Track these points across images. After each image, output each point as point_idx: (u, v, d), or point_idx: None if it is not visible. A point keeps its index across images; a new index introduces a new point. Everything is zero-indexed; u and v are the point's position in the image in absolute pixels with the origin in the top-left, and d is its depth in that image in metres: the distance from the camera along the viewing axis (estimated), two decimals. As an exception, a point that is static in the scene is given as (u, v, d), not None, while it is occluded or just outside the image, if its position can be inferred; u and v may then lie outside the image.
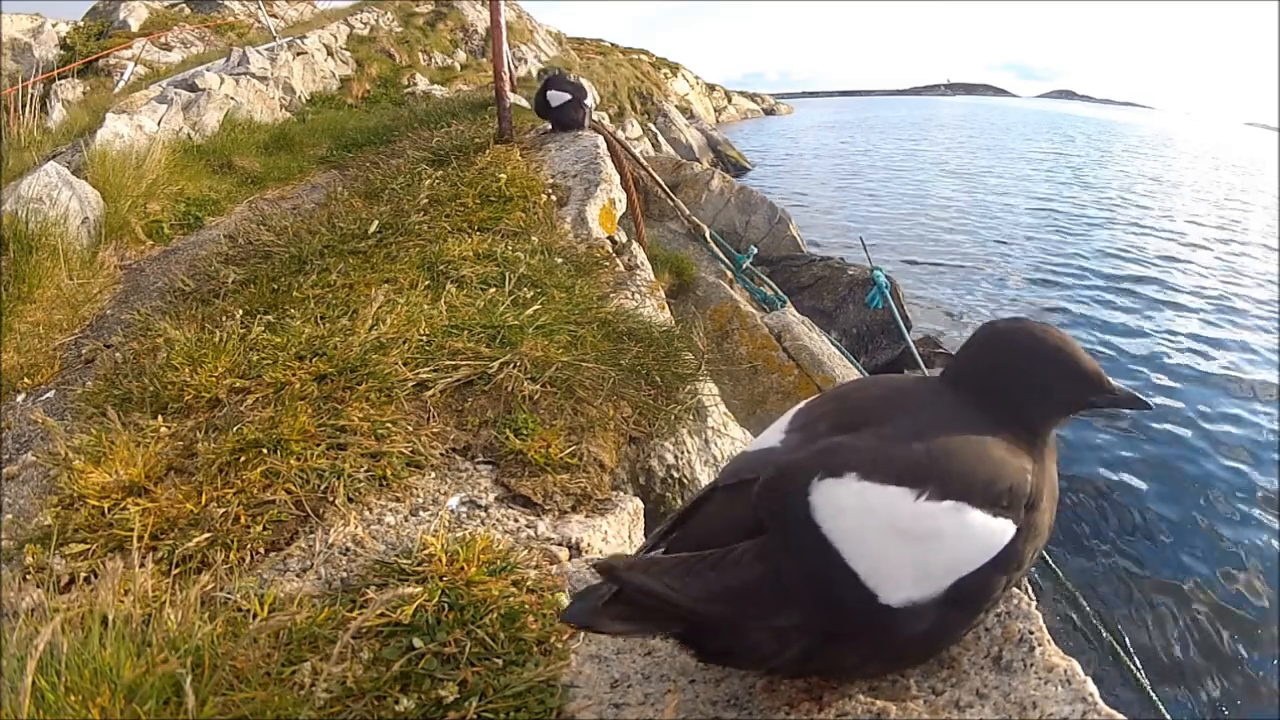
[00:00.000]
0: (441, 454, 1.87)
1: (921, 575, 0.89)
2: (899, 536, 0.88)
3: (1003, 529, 0.90)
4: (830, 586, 0.90)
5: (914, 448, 0.91)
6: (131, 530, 1.53)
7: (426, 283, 2.70)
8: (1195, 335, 9.91)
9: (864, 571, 0.89)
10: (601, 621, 0.96)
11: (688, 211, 6.81)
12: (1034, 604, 1.14)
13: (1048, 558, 4.72)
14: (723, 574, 0.91)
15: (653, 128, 24.03)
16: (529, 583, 1.41)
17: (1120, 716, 0.94)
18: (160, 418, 2.01)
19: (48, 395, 2.70)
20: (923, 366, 7.19)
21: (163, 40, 12.79)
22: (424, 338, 2.23)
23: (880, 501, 0.88)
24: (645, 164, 6.17)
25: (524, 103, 6.30)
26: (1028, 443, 0.97)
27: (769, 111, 57.02)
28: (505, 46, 4.90)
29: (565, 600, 1.35)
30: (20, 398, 2.72)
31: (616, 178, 4.17)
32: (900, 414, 0.98)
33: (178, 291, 3.15)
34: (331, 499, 1.65)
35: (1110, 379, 1.01)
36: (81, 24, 13.29)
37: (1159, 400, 7.72)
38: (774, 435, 1.04)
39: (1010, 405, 0.98)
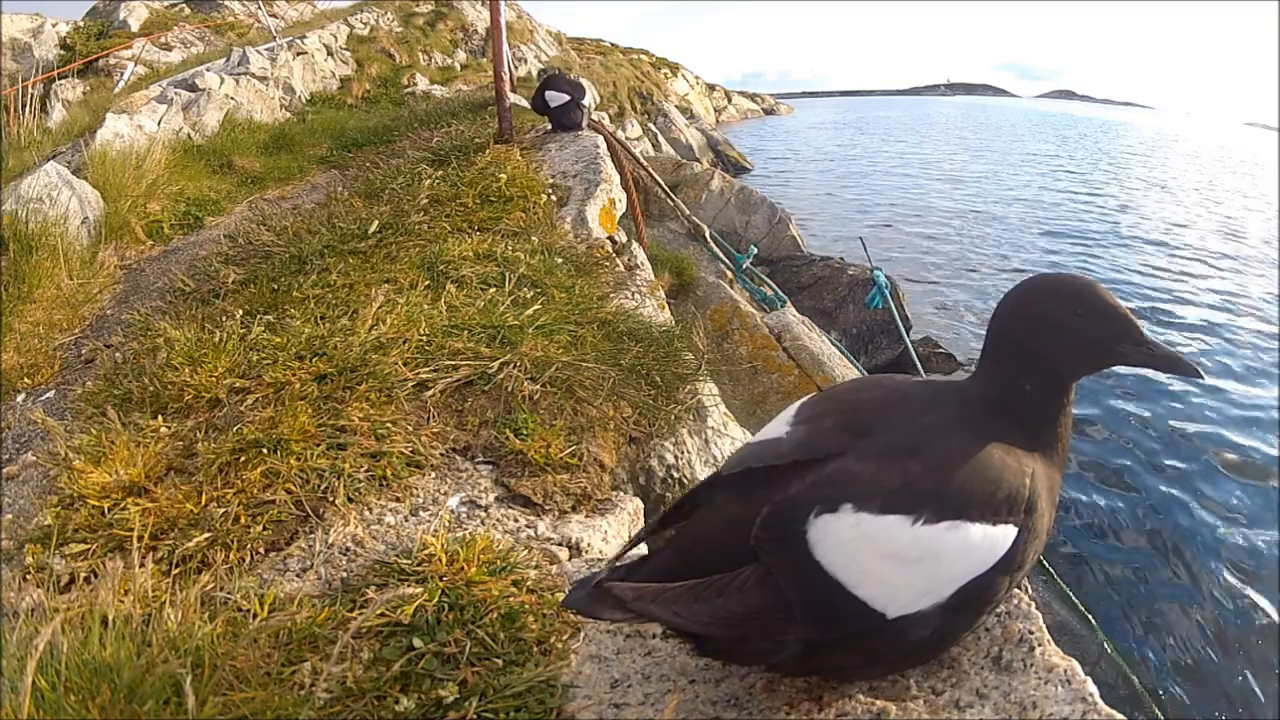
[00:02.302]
0: (441, 454, 1.87)
1: (925, 590, 0.90)
2: (900, 562, 0.89)
3: (1004, 536, 0.90)
4: (835, 611, 0.91)
5: (909, 466, 0.91)
6: (131, 530, 1.53)
7: (426, 283, 2.70)
8: (1195, 334, 9.91)
9: (869, 597, 0.90)
10: (600, 609, 0.98)
11: (688, 211, 6.81)
12: (1034, 604, 1.14)
13: (1045, 560, 4.72)
14: (728, 600, 0.93)
15: (653, 128, 24.04)
16: (529, 583, 1.40)
17: (1120, 716, 0.94)
18: (160, 418, 2.01)
19: (48, 395, 2.70)
20: (920, 367, 7.19)
21: (163, 40, 12.79)
22: (424, 338, 2.23)
23: (878, 531, 0.89)
24: (645, 164, 6.17)
25: (524, 103, 6.30)
26: (1031, 438, 0.97)
27: (769, 112, 57.03)
28: (505, 46, 4.90)
29: (565, 601, 1.36)
30: (20, 398, 2.72)
31: (616, 178, 4.17)
32: (902, 418, 0.98)
33: (178, 291, 3.15)
34: (331, 499, 1.65)
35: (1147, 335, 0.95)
36: (81, 24, 13.28)
37: (1161, 400, 7.74)
38: (780, 426, 1.04)
39: (1028, 369, 0.96)
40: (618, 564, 1.05)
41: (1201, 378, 0.94)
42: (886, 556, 0.89)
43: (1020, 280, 1.03)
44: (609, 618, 0.99)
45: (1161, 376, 8.46)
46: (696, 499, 1.06)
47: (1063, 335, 0.95)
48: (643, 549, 1.14)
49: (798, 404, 1.07)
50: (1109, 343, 0.94)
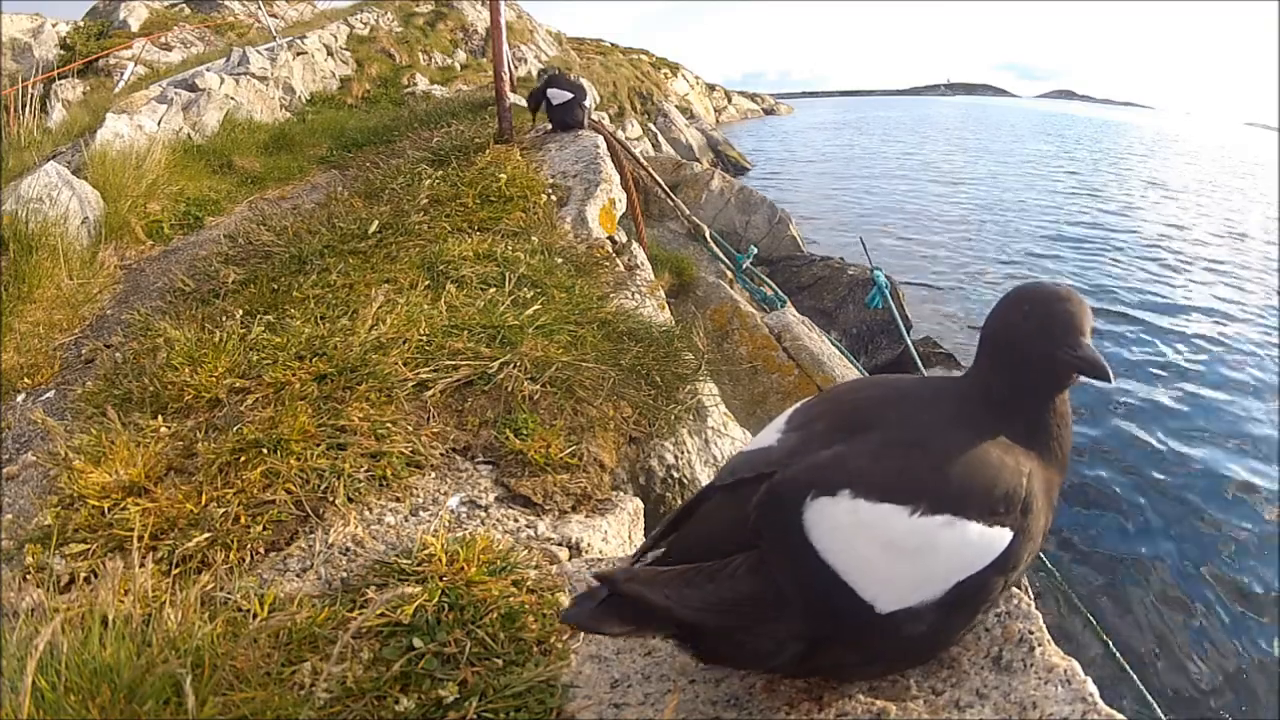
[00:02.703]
0: (441, 454, 1.87)
1: (919, 585, 0.90)
2: (895, 552, 0.88)
3: (999, 537, 0.90)
4: (827, 599, 0.91)
5: (908, 458, 0.91)
6: (131, 530, 1.53)
7: (426, 283, 2.70)
8: (1195, 336, 9.91)
9: (860, 586, 0.89)
10: (600, 623, 0.97)
11: (688, 211, 6.81)
12: (1034, 604, 1.14)
13: (1046, 560, 4.72)
14: (719, 586, 0.92)
15: (653, 128, 24.05)
16: (529, 583, 1.40)
17: (1120, 716, 0.94)
18: (160, 418, 2.01)
19: (48, 395, 2.70)
20: (920, 366, 7.19)
21: (163, 40, 12.80)
22: (424, 338, 2.23)
23: (875, 518, 0.88)
24: (645, 164, 6.17)
25: (524, 103, 6.29)
26: (1028, 436, 0.96)
27: (769, 111, 57.06)
28: (505, 46, 4.90)
29: (565, 600, 1.36)
30: (20, 398, 2.72)
31: (616, 178, 4.17)
32: (898, 416, 0.97)
33: (178, 291, 3.15)
34: (331, 499, 1.65)
35: (1087, 341, 0.93)
36: (81, 24, 13.28)
37: (1161, 401, 7.73)
38: (771, 434, 1.04)
39: (1005, 374, 0.96)
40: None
41: (1110, 380, 0.91)
42: (882, 545, 0.88)
43: (1016, 282, 1.03)
44: (607, 632, 0.99)
45: (1160, 369, 8.49)
46: (692, 511, 1.06)
47: (1018, 342, 0.95)
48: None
49: (790, 410, 1.07)
50: (1049, 348, 0.93)
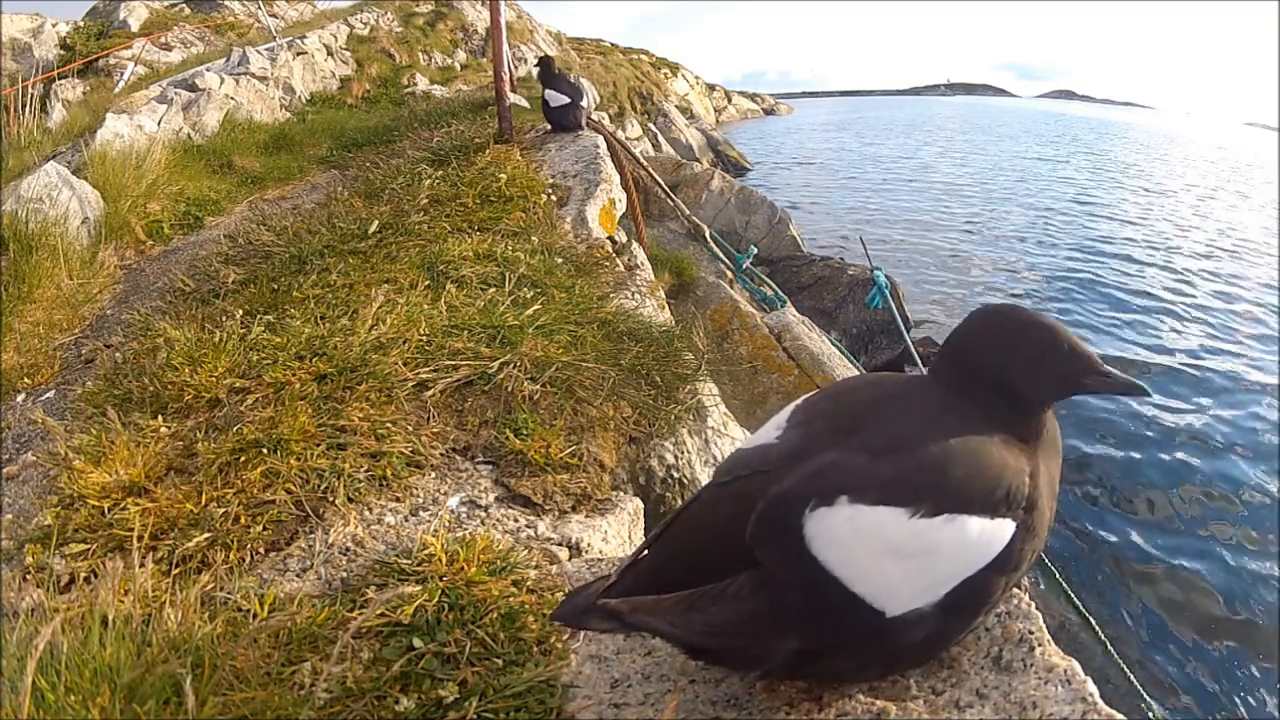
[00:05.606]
0: (441, 454, 1.87)
1: (923, 587, 0.89)
2: (897, 556, 0.87)
3: (1002, 532, 0.89)
4: (833, 611, 0.90)
5: (906, 461, 0.90)
6: (131, 530, 1.53)
7: (426, 283, 2.70)
8: (1196, 337, 9.90)
9: (867, 594, 0.88)
10: (590, 620, 0.97)
11: (688, 211, 6.81)
12: (1034, 604, 1.14)
13: (1046, 559, 4.72)
14: (723, 608, 0.91)
15: (653, 128, 24.06)
16: (529, 583, 1.40)
17: (1120, 716, 0.94)
18: (160, 418, 2.01)
19: (48, 395, 2.70)
20: (921, 366, 7.20)
21: (163, 40, 12.80)
22: (424, 338, 2.23)
23: (875, 524, 0.88)
24: (645, 164, 6.17)
25: (524, 103, 6.30)
26: (1022, 437, 0.96)
27: (769, 111, 57.09)
28: (505, 46, 4.90)
29: (565, 601, 1.36)
30: (20, 398, 2.72)
31: (616, 178, 4.17)
32: (896, 416, 0.97)
33: (178, 291, 3.15)
34: (331, 499, 1.65)
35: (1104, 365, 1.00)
36: (81, 24, 13.28)
37: (1161, 403, 7.73)
38: (771, 432, 1.03)
39: (1001, 391, 0.97)
40: (608, 577, 1.04)
41: (1149, 395, 1.01)
42: (884, 551, 0.87)
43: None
44: (598, 629, 0.99)
45: (1160, 370, 8.48)
46: (685, 510, 1.06)
47: (1026, 370, 0.97)
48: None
49: (791, 407, 1.06)
50: (1076, 377, 0.99)
